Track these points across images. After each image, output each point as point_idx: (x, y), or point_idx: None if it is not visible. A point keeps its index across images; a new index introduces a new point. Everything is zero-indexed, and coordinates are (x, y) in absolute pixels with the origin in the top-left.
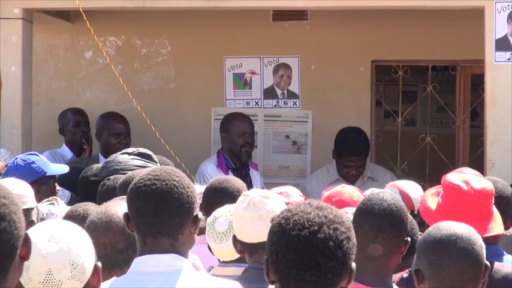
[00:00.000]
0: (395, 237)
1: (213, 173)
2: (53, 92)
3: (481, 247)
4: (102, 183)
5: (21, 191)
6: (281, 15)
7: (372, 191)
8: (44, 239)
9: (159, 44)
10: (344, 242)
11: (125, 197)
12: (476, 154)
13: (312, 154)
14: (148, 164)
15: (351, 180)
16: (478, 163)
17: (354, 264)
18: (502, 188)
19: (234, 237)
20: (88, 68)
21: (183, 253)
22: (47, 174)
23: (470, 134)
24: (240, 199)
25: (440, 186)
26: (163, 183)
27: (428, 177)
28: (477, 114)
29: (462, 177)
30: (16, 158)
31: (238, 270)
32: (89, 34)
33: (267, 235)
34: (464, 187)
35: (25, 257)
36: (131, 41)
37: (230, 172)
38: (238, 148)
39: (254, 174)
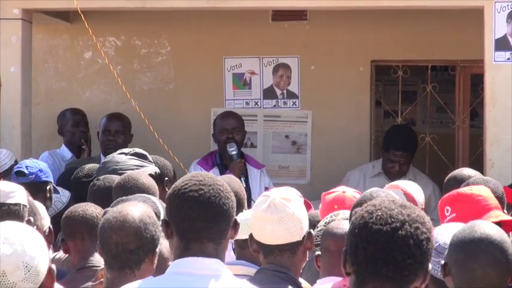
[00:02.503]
0: None
1: (192, 170)
2: (53, 92)
3: None
4: (92, 183)
5: (8, 188)
6: (280, 15)
7: (372, 191)
8: None
9: (158, 44)
10: (424, 242)
11: (141, 196)
12: (476, 154)
13: (312, 154)
14: (145, 164)
15: (393, 176)
16: (478, 163)
17: (430, 266)
18: (493, 187)
19: (251, 236)
20: (87, 68)
21: (222, 258)
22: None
23: (469, 134)
24: (260, 199)
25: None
26: (210, 188)
27: (428, 177)
28: (477, 114)
29: (462, 188)
30: (26, 167)
31: (245, 269)
32: (89, 34)
33: (349, 226)
34: (468, 188)
35: None
36: (131, 41)
37: (216, 168)
38: (222, 146)
39: (254, 173)
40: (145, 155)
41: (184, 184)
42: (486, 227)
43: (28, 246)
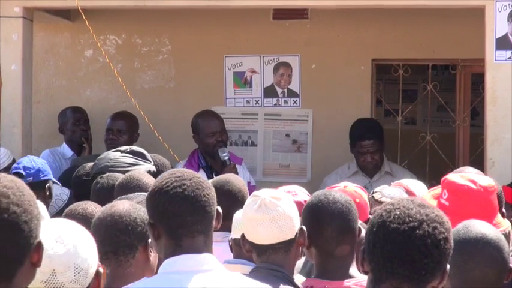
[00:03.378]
0: (355, 232)
1: None
2: (53, 91)
3: (508, 252)
4: (95, 181)
5: None
6: (281, 13)
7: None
8: (51, 239)
9: (159, 42)
10: (442, 242)
11: (141, 195)
12: (476, 153)
13: (312, 153)
14: (140, 162)
15: (368, 171)
16: (478, 162)
17: (448, 266)
18: None
19: (243, 236)
20: (88, 67)
21: (211, 251)
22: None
23: (470, 133)
24: (250, 200)
25: (436, 187)
26: (191, 181)
27: (429, 176)
28: (477, 113)
29: (466, 176)
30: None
31: (244, 268)
32: (89, 33)
33: (368, 225)
34: (473, 186)
35: (36, 263)
36: (131, 39)
37: (202, 171)
38: (211, 148)
39: (238, 169)
40: (143, 153)
41: (165, 182)
42: (481, 226)
43: (81, 247)
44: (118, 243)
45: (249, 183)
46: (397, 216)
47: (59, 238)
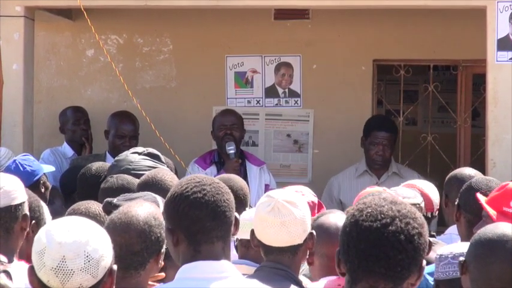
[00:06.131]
0: None
1: (190, 169)
2: (55, 90)
3: None
4: (105, 180)
5: (9, 187)
6: (283, 14)
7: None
8: (63, 229)
9: (160, 42)
10: (415, 237)
11: (149, 194)
12: (477, 154)
13: (313, 153)
14: (158, 165)
15: (377, 167)
16: (479, 163)
17: (424, 262)
18: (496, 187)
19: (252, 232)
20: (89, 66)
21: (229, 258)
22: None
23: (471, 134)
24: (264, 199)
25: (493, 192)
26: (211, 187)
27: (430, 177)
28: (478, 114)
29: None
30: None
31: (249, 269)
32: (91, 32)
33: (341, 226)
34: None
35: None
36: (133, 39)
37: (213, 166)
38: (220, 142)
39: (253, 170)
40: (159, 156)
41: (185, 188)
42: (508, 227)
43: (92, 239)
44: (130, 264)
45: (267, 185)
46: (369, 214)
47: (71, 228)
